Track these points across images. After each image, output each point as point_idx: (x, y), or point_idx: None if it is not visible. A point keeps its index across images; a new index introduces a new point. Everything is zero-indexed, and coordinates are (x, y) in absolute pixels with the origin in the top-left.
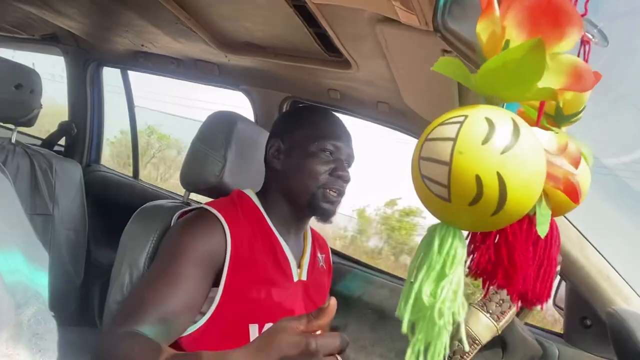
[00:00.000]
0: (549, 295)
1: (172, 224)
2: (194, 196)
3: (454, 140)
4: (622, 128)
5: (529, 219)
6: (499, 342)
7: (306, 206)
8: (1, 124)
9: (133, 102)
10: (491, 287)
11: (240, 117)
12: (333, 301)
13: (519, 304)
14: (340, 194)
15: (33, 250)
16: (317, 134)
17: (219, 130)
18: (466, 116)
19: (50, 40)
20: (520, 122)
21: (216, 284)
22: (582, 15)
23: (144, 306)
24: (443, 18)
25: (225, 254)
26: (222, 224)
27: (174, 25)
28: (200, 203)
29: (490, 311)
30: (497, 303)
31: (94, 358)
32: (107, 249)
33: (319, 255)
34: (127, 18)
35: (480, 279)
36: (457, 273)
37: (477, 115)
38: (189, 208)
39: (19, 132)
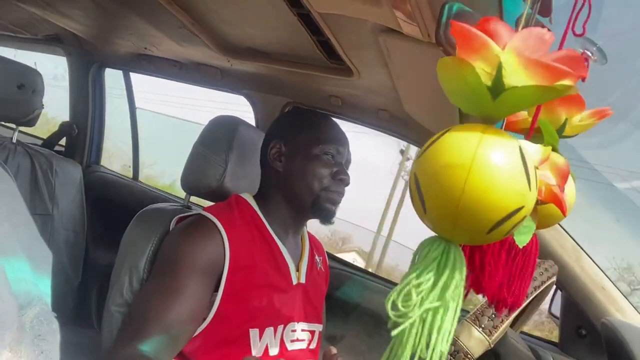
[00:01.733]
0: (520, 303)
1: (170, 228)
2: (194, 199)
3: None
4: None
5: None
6: (492, 355)
7: (309, 208)
8: (3, 123)
9: (134, 104)
10: (483, 301)
11: (242, 122)
12: (334, 350)
13: (512, 317)
14: (341, 195)
15: (37, 252)
16: (320, 138)
17: (220, 135)
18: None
19: (53, 40)
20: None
21: (216, 288)
22: (581, 35)
23: (146, 322)
24: (446, 31)
25: (224, 259)
26: (219, 230)
27: (178, 29)
28: (201, 206)
29: (483, 325)
30: (489, 317)
31: None
32: (105, 249)
33: (316, 257)
34: (131, 21)
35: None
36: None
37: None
38: (187, 214)
39: (20, 131)
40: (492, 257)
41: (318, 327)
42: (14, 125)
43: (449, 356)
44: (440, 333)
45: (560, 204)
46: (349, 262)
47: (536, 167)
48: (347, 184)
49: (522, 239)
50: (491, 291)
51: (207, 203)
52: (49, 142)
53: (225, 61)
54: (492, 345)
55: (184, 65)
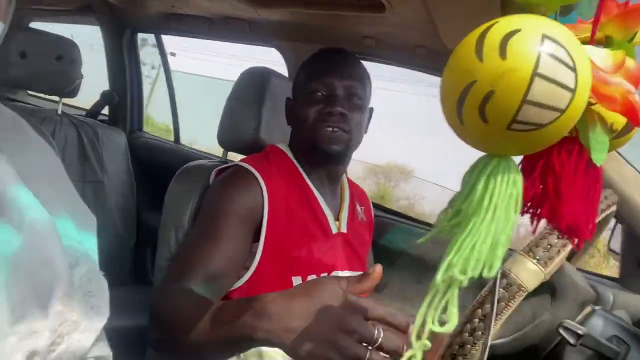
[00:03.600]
0: (594, 230)
1: (210, 182)
2: (233, 156)
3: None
4: None
5: (579, 147)
6: (548, 288)
7: (314, 155)
8: (47, 97)
9: (169, 67)
10: (537, 232)
11: (274, 72)
12: (378, 268)
13: (568, 248)
14: (340, 129)
15: (80, 214)
16: (307, 78)
17: (252, 87)
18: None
19: (86, 10)
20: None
21: (256, 239)
22: None
23: (190, 267)
24: None
25: (263, 209)
26: (257, 179)
27: None
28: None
29: (538, 257)
30: (544, 248)
31: (151, 314)
32: (155, 211)
33: (357, 207)
34: None
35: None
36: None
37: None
38: (225, 165)
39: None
40: (567, 183)
41: None
42: (57, 98)
43: (501, 290)
44: (495, 247)
45: (635, 115)
46: (393, 210)
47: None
48: (338, 113)
49: (599, 157)
50: (567, 220)
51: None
52: (93, 112)
53: (252, 11)
54: (547, 277)
55: (213, 22)
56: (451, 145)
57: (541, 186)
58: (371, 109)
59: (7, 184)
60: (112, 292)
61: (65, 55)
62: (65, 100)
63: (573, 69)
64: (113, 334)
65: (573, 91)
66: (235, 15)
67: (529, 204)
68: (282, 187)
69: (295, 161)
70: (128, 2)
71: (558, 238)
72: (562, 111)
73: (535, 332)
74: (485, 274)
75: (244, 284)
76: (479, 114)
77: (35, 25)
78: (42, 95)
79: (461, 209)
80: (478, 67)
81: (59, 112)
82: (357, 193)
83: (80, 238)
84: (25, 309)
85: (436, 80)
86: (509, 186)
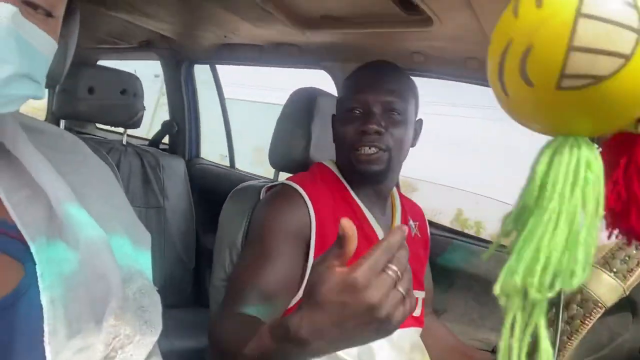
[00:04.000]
0: None
1: (260, 198)
2: (285, 177)
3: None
4: None
5: None
6: (628, 304)
7: (353, 173)
8: (113, 129)
9: (224, 96)
10: (617, 241)
11: (321, 92)
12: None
13: None
14: (377, 148)
15: (136, 232)
16: (342, 97)
17: (301, 107)
18: None
19: (147, 46)
20: None
21: (306, 258)
22: None
23: (244, 287)
24: None
25: (311, 227)
26: (303, 197)
27: (252, 9)
28: None
29: (615, 269)
30: (622, 260)
31: (209, 339)
32: (213, 234)
33: (410, 222)
34: (209, 10)
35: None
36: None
37: None
38: (275, 183)
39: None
40: None
41: (420, 294)
42: (122, 130)
43: (576, 306)
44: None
45: None
46: (449, 227)
47: None
48: (374, 132)
49: None
50: None
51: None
52: (154, 141)
53: (301, 35)
54: (627, 292)
55: (264, 49)
56: None
57: (625, 191)
58: (420, 121)
59: (64, 204)
60: (173, 314)
61: (129, 89)
62: (129, 131)
63: (633, 5)
64: (173, 355)
65: (638, 31)
66: (284, 41)
67: (619, 217)
68: (330, 205)
69: (341, 178)
70: (184, 36)
71: (637, 249)
72: (627, 57)
73: (616, 354)
74: (562, 285)
75: (293, 307)
76: (521, 77)
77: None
78: (108, 127)
79: (524, 203)
80: (513, 23)
81: (124, 142)
82: (410, 208)
83: (134, 254)
84: (81, 324)
85: None
86: (580, 168)
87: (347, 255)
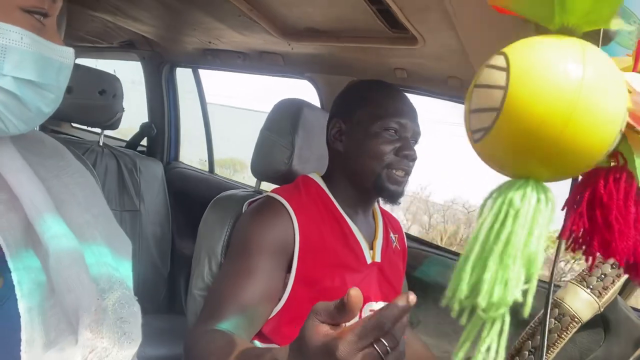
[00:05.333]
0: None
1: (243, 211)
2: (267, 186)
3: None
4: None
5: (627, 175)
6: (601, 321)
7: (372, 188)
8: (90, 129)
9: (205, 101)
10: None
11: (306, 104)
12: (412, 296)
13: (623, 279)
14: (407, 173)
15: (116, 240)
16: (380, 113)
17: (285, 118)
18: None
19: (128, 46)
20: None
21: (289, 269)
22: None
23: (224, 302)
24: None
25: (294, 240)
26: (288, 210)
27: (237, 18)
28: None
29: (591, 286)
30: (598, 277)
31: (186, 356)
32: (189, 240)
33: (391, 235)
34: (194, 16)
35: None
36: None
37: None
38: (258, 197)
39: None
40: (618, 212)
41: None
42: (99, 130)
43: (553, 320)
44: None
45: None
46: (427, 241)
47: None
48: (414, 159)
49: None
50: (624, 253)
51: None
52: (132, 143)
53: (286, 45)
54: (602, 309)
55: (248, 56)
56: None
57: (588, 222)
58: None
59: (40, 214)
60: (146, 320)
61: (109, 90)
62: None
63: (505, 69)
64: None
65: (504, 88)
66: (268, 50)
67: (580, 240)
68: (314, 217)
69: (327, 191)
70: (168, 40)
71: (612, 267)
72: (498, 109)
73: None
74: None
75: (275, 316)
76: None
77: (80, 61)
78: (85, 127)
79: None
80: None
81: (101, 143)
82: (390, 221)
83: (115, 263)
84: (58, 334)
85: None
86: (509, 207)
87: (342, 321)
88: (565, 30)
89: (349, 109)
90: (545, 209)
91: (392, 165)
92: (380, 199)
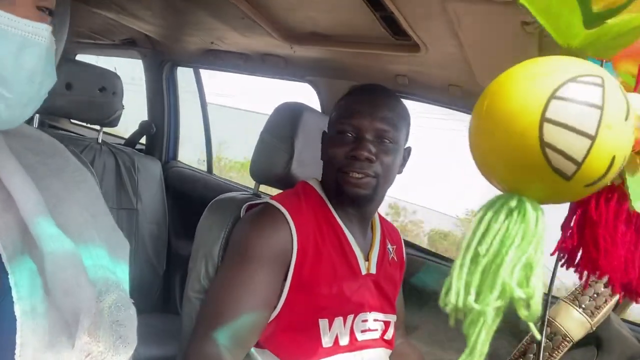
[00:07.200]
0: None
1: (241, 215)
2: (264, 187)
3: (601, 109)
4: None
5: (619, 196)
6: (594, 339)
7: (339, 195)
8: (89, 126)
9: (205, 100)
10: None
11: (307, 108)
12: None
13: (616, 297)
14: (367, 175)
15: (114, 240)
16: (338, 116)
17: (285, 122)
18: (602, 78)
19: (129, 44)
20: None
21: (285, 277)
22: None
23: (221, 312)
24: None
25: (292, 248)
26: (286, 219)
27: (241, 20)
28: (270, 194)
29: (583, 305)
30: (590, 297)
31: None
32: (185, 240)
33: (389, 246)
34: (197, 16)
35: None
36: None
37: (611, 80)
38: (257, 201)
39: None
40: (606, 232)
41: (392, 318)
42: (98, 127)
43: (545, 339)
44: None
45: None
46: (425, 248)
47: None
48: (362, 159)
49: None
50: (609, 271)
51: (277, 191)
52: (131, 141)
53: (288, 49)
54: (594, 328)
55: (249, 57)
56: None
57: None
58: (409, 149)
59: (33, 216)
60: (140, 320)
61: (109, 87)
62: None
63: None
64: None
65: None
66: (271, 52)
67: (571, 257)
68: (312, 226)
69: (325, 198)
70: (169, 38)
71: (605, 286)
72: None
73: None
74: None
75: (270, 323)
76: None
77: (81, 58)
78: (84, 124)
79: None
80: None
81: (99, 140)
82: (389, 232)
83: (111, 265)
84: (54, 337)
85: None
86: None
87: None
88: (571, 51)
89: (330, 118)
90: (520, 225)
91: (344, 168)
92: (354, 205)
